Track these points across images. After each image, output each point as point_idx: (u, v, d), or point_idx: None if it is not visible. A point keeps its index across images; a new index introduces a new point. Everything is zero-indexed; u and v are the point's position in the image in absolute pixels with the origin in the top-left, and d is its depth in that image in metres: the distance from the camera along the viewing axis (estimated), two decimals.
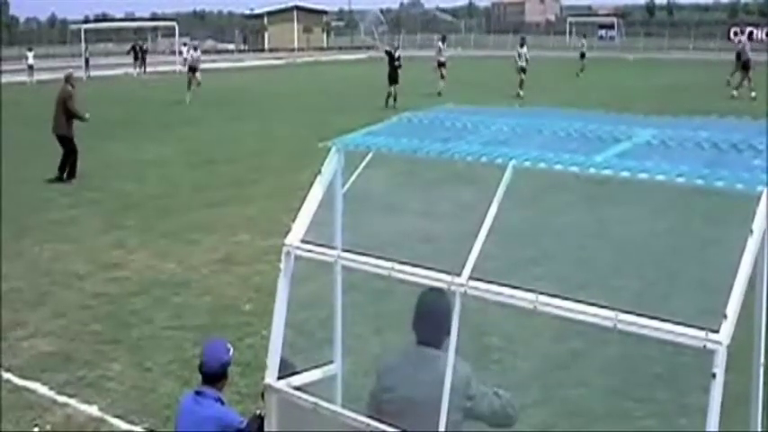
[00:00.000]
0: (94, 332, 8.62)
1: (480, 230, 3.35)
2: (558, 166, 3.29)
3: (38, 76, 44.45)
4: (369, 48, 74.04)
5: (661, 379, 6.86)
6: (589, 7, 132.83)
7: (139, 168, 18.14)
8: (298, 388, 4.08)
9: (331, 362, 4.35)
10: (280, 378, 4.05)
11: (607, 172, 3.17)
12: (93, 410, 6.85)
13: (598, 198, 10.51)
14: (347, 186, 4.19)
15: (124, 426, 6.61)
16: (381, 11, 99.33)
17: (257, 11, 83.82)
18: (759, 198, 2.81)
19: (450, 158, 3.66)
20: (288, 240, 3.99)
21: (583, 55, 42.93)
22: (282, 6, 79.44)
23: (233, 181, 16.59)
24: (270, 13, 79.52)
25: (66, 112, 16.84)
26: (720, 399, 2.67)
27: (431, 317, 3.94)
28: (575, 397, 6.72)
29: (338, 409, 3.84)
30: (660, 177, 3.02)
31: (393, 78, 29.35)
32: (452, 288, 3.34)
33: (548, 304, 3.08)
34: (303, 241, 3.99)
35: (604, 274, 8.42)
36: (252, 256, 11.23)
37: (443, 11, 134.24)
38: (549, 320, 3.49)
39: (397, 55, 29.84)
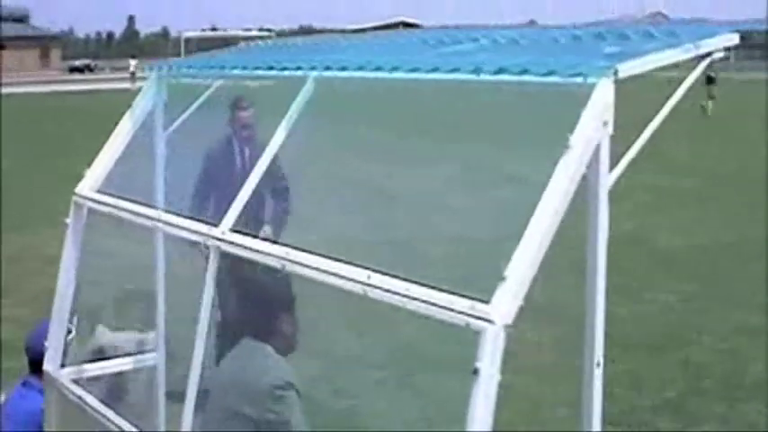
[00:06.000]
0: None
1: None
2: (360, 73, 2.27)
3: (140, 84, 45.26)
4: None
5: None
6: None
7: None
8: (95, 378, 3.17)
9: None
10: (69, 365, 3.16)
11: (414, 75, 2.14)
12: None
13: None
14: (176, 126, 3.26)
15: None
16: None
17: (363, 26, 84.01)
18: (589, 93, 1.73)
19: (251, 75, 2.69)
20: (78, 189, 3.09)
21: None
22: (388, 21, 79.31)
23: None
24: (376, 28, 79.50)
25: None
26: (492, 414, 1.61)
27: (255, 302, 2.96)
28: None
29: (101, 407, 2.89)
30: (469, 77, 1.97)
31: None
32: (208, 243, 2.37)
33: (297, 262, 2.07)
34: (100, 192, 3.08)
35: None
36: None
37: None
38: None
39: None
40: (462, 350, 1.70)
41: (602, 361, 1.80)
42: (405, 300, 1.74)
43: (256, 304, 2.95)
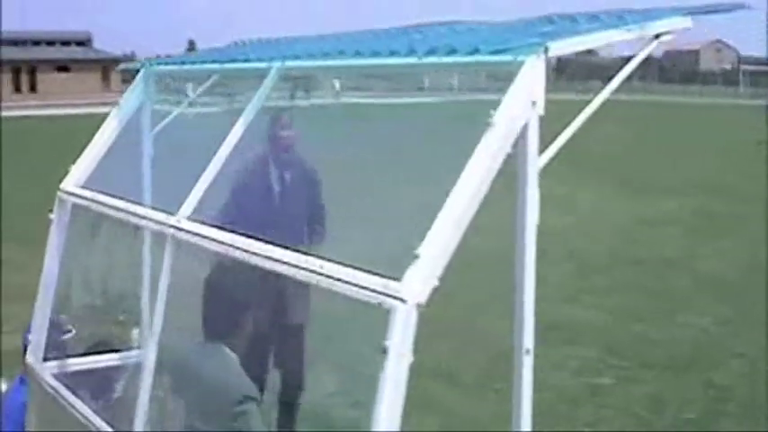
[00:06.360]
0: None
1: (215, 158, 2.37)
2: (311, 62, 2.26)
3: None
4: None
5: None
6: None
7: None
8: (77, 373, 3.17)
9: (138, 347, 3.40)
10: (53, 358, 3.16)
11: (358, 61, 2.12)
12: None
13: None
14: (162, 125, 3.28)
15: None
16: None
17: None
18: (516, 71, 1.69)
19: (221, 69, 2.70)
20: (63, 185, 3.11)
21: None
22: None
23: None
24: None
25: None
26: (402, 396, 1.57)
27: (213, 303, 2.87)
28: None
29: (77, 402, 2.87)
30: (409, 60, 1.95)
31: None
32: (164, 231, 2.36)
33: (241, 249, 2.05)
34: (85, 188, 3.09)
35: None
36: None
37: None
38: None
39: None
40: None
41: (531, 348, 1.74)
42: (321, 278, 1.71)
43: (215, 303, 2.84)
